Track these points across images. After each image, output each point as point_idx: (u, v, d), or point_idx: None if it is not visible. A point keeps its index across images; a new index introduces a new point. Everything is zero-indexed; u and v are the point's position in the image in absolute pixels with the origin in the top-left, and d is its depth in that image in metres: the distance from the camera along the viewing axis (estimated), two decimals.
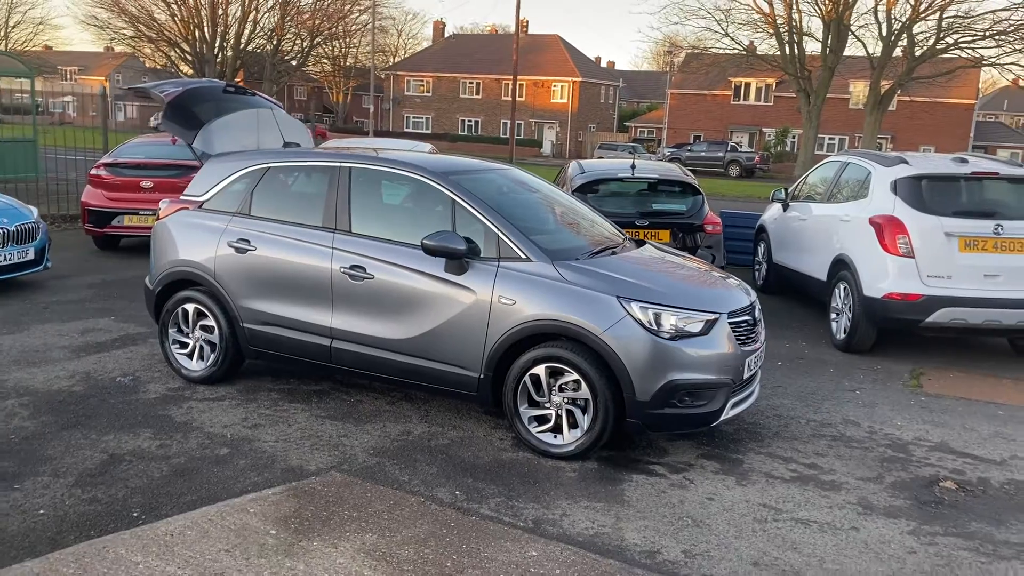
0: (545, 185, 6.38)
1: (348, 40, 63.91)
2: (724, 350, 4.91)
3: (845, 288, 7.72)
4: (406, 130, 63.93)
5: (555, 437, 4.98)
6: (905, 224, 7.15)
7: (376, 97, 70.04)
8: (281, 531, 3.82)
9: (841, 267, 7.81)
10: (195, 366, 6.04)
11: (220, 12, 44.30)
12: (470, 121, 63.90)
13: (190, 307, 6.01)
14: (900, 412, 6.13)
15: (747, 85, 55.37)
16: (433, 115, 64.82)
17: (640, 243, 6.05)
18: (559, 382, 4.92)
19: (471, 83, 63.66)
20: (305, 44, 47.73)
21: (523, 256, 5.03)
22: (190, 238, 6.01)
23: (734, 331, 4.99)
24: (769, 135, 54.85)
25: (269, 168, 5.89)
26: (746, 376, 5.09)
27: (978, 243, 7.05)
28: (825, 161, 9.50)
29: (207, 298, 5.92)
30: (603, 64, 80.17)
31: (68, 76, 78.53)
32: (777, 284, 10.01)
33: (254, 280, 5.72)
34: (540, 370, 4.93)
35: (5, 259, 8.38)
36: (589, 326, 4.77)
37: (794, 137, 50.44)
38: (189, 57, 45.35)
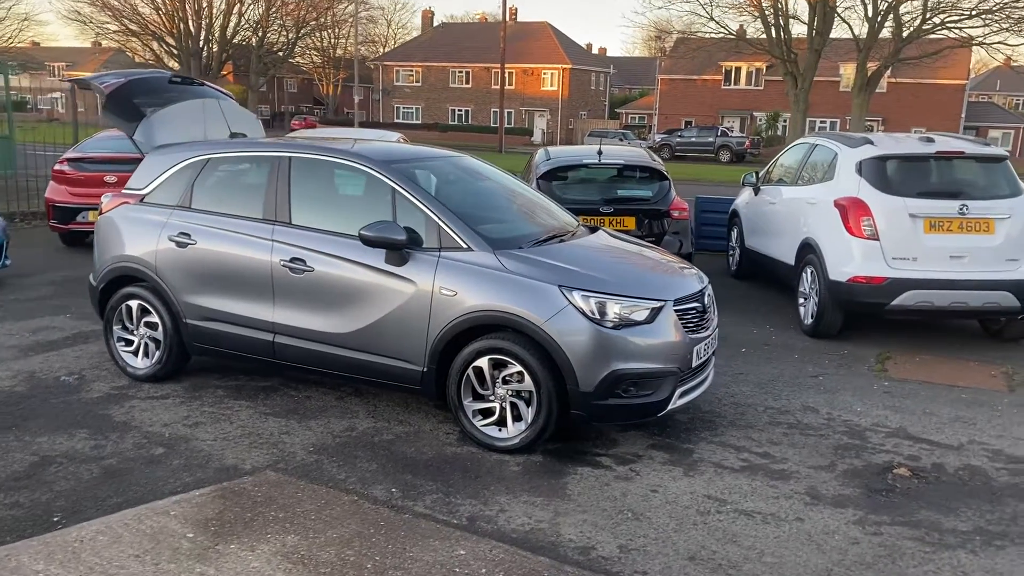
0: (498, 173, 6.24)
1: (336, 31, 63.60)
2: (670, 338, 4.78)
3: (812, 272, 7.59)
4: (396, 120, 63.64)
5: (500, 430, 4.85)
6: (869, 206, 7.02)
7: (365, 88, 69.79)
8: (199, 534, 3.69)
9: (808, 251, 7.68)
10: (140, 364, 5.91)
11: (204, 4, 43.96)
12: (460, 110, 63.60)
13: (134, 303, 5.87)
14: (861, 398, 6.01)
15: (737, 70, 55.10)
16: (423, 105, 64.49)
17: (593, 230, 5.91)
18: (502, 374, 4.79)
19: (460, 72, 63.32)
20: (291, 36, 47.35)
21: (464, 245, 4.89)
22: (131, 233, 5.87)
23: (681, 318, 4.87)
24: (760, 119, 54.62)
25: (209, 159, 5.74)
26: (695, 364, 4.96)
27: (943, 224, 6.92)
28: (794, 143, 9.36)
29: (150, 294, 5.78)
30: (594, 51, 79.76)
31: (56, 72, 78.10)
32: (749, 270, 9.89)
33: (196, 275, 5.59)
34: (483, 362, 4.80)
35: None
36: (530, 316, 4.64)
37: (785, 121, 50.17)
38: (175, 51, 45.02)
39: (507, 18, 50.22)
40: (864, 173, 7.22)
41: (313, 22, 47.73)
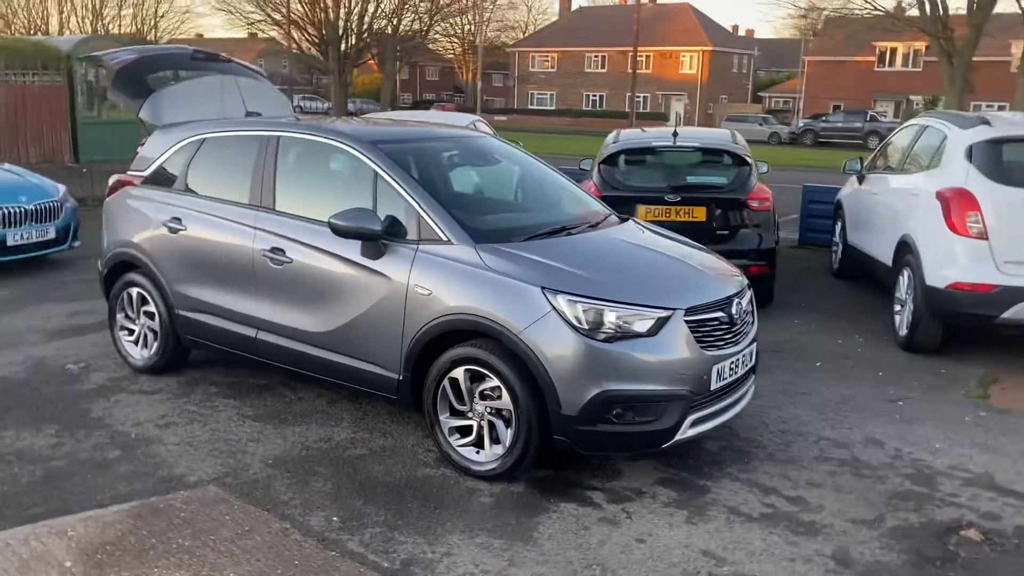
0: (523, 158, 5.53)
1: (476, 15, 63.73)
2: (679, 355, 3.97)
3: (909, 276, 6.47)
4: (530, 107, 63.29)
5: (477, 452, 4.20)
6: (978, 198, 5.85)
7: (503, 75, 69.84)
8: (77, 563, 3.26)
9: (905, 250, 6.55)
10: (139, 354, 5.62)
11: None
12: (594, 96, 62.45)
13: (134, 291, 5.59)
14: (945, 431, 4.96)
15: (893, 50, 51.26)
16: (557, 91, 63.77)
17: (624, 221, 5.14)
18: (480, 388, 4.13)
19: (596, 57, 62.13)
20: (424, 23, 47.65)
21: (444, 238, 4.25)
22: (130, 217, 5.57)
23: (697, 331, 4.04)
24: (917, 104, 50.60)
25: (205, 139, 5.35)
26: (716, 387, 4.12)
27: None
28: (904, 125, 8.12)
29: (148, 282, 5.47)
30: (741, 33, 76.56)
31: None
32: (852, 268, 8.71)
33: (186, 263, 5.22)
34: (459, 373, 4.16)
35: (23, 238, 8.32)
36: (507, 322, 3.95)
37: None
38: (315, 40, 46.21)
39: None
40: (975, 159, 6.03)
41: (446, 8, 47.80)
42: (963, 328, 6.30)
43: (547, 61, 64.37)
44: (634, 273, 4.27)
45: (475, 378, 4.13)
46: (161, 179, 5.48)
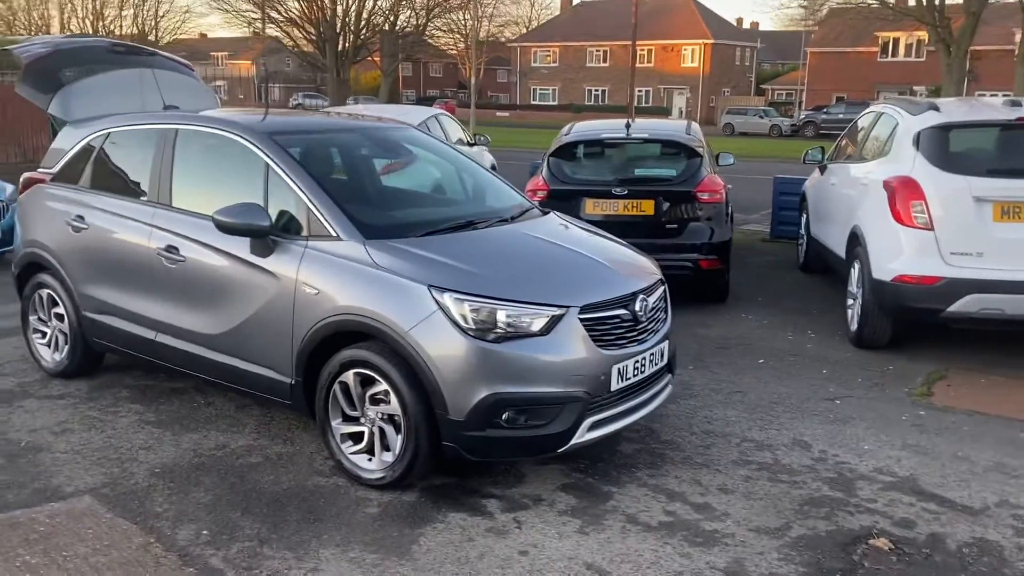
0: (440, 149, 5.32)
1: (475, 10, 63.38)
2: (572, 355, 3.75)
3: (859, 268, 6.22)
4: (533, 102, 63.01)
5: (369, 460, 3.99)
6: (922, 186, 5.59)
7: (505, 70, 69.56)
8: None
9: (855, 242, 6.30)
10: (51, 357, 5.44)
11: None
12: (597, 90, 62.15)
13: (44, 293, 5.41)
14: (879, 431, 4.72)
15: (896, 41, 50.74)
16: (559, 86, 63.47)
17: (544, 214, 4.92)
18: (370, 392, 3.92)
19: (598, 51, 61.79)
20: (422, 20, 47.40)
21: (333, 234, 4.04)
22: (38, 216, 5.39)
23: (595, 329, 3.82)
24: (921, 94, 50.07)
25: (109, 134, 5.16)
26: (618, 387, 3.90)
27: (1020, 210, 5.41)
28: (864, 112, 7.86)
29: (56, 283, 5.28)
30: (745, 25, 76.06)
31: (219, 62, 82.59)
32: (816, 262, 8.45)
33: (88, 262, 5.04)
34: (349, 377, 3.95)
35: None
36: (392, 322, 3.74)
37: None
38: (313, 38, 46.04)
39: None
40: (922, 146, 5.78)
41: (443, 3, 47.53)
42: (912, 323, 6.05)
43: (549, 56, 64.08)
44: (530, 270, 4.04)
45: (365, 382, 3.92)
46: (68, 176, 5.29)
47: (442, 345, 3.66)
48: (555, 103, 61.76)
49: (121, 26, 57.79)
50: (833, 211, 7.32)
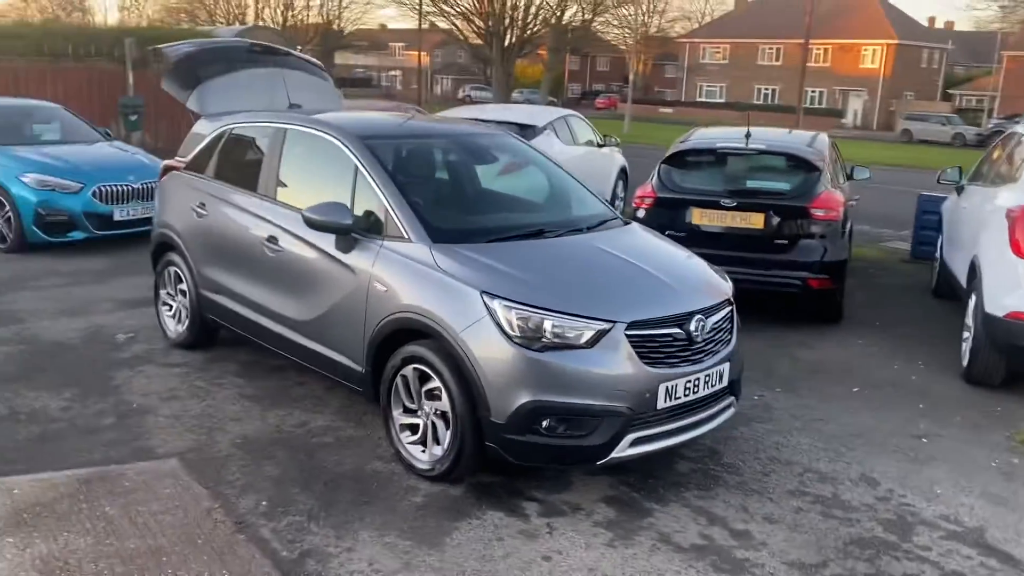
0: (531, 156, 5.45)
1: (646, 4, 62.68)
2: (615, 370, 3.80)
3: (976, 301, 5.84)
4: (698, 99, 61.74)
5: (422, 451, 4.21)
6: None
7: (673, 66, 68.40)
8: (3, 520, 3.54)
9: (974, 273, 5.92)
10: (174, 328, 6.02)
11: None
12: (767, 90, 60.06)
13: (171, 270, 5.98)
14: (959, 476, 4.46)
15: None
16: (728, 83, 61.84)
17: (627, 223, 4.97)
18: (426, 387, 4.13)
19: (771, 49, 59.68)
20: (587, 15, 47.46)
21: (404, 235, 4.27)
22: (170, 200, 5.97)
23: (642, 346, 3.85)
24: None
25: (231, 130, 5.63)
26: (664, 406, 3.91)
27: None
28: (1009, 130, 7.30)
29: (181, 261, 5.84)
30: (939, 25, 71.24)
31: (396, 52, 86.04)
32: (947, 288, 7.95)
33: (206, 245, 5.54)
34: (409, 371, 4.18)
35: (129, 214, 9.06)
36: (447, 323, 3.93)
37: None
38: (481, 31, 47.07)
39: None
40: None
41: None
42: None
43: (718, 52, 62.54)
44: (585, 282, 4.11)
45: (423, 377, 4.13)
46: (197, 165, 5.82)
47: (489, 349, 3.81)
48: (722, 100, 60.19)
49: (308, 16, 61.30)
50: (961, 236, 6.88)
